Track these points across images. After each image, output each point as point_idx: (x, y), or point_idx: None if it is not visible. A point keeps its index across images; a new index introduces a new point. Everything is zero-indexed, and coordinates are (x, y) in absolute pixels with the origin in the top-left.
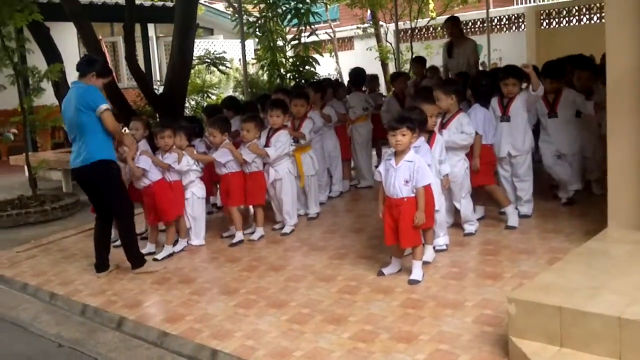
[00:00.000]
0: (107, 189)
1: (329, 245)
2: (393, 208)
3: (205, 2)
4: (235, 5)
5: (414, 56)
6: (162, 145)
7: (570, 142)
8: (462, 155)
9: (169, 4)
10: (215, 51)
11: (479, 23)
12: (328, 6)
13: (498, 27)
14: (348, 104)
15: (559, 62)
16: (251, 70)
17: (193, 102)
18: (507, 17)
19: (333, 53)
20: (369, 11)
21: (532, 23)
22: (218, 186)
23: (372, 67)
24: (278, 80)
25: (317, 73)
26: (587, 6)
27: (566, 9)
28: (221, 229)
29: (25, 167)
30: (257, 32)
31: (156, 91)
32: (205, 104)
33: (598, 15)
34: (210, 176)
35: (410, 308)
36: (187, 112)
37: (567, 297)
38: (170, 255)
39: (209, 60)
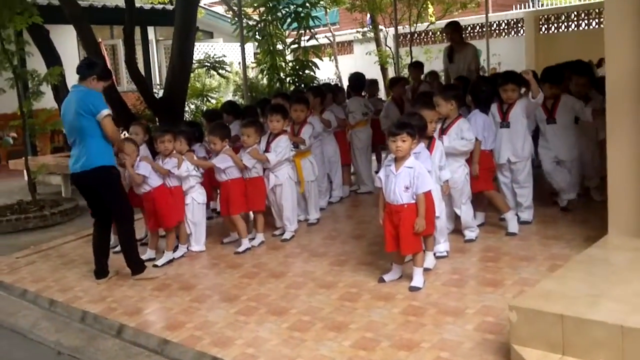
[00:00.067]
0: (107, 195)
1: (329, 252)
2: (393, 214)
3: (205, 5)
4: (235, 8)
5: (404, 63)
6: (162, 149)
7: (569, 148)
8: (462, 161)
9: (169, 7)
10: (215, 55)
11: (478, 28)
12: (328, 10)
13: (497, 31)
14: (347, 108)
15: (558, 67)
16: (251, 74)
17: (193, 106)
18: (506, 22)
19: (333, 57)
20: (368, 15)
21: (531, 28)
22: (218, 191)
23: (372, 71)
24: (278, 84)
25: (316, 77)
26: (585, 11)
27: (565, 14)
28: (221, 235)
29: (25, 171)
30: (257, 36)
31: (156, 95)
32: (205, 107)
33: (597, 20)
34: (210, 181)
35: (411, 315)
36: (186, 116)
37: (568, 304)
38: (171, 261)
39: (208, 64)
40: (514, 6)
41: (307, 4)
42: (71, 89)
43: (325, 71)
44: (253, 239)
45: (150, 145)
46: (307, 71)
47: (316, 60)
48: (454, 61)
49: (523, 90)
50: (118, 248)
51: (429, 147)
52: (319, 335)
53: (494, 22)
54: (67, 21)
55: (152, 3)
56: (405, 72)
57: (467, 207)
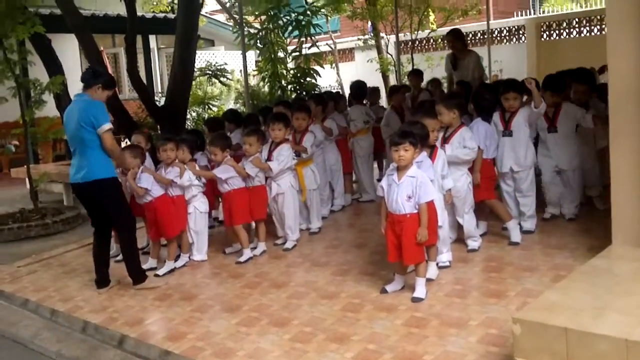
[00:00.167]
0: (108, 206)
1: (331, 261)
2: (395, 224)
3: (206, 13)
4: (237, 17)
5: (405, 70)
6: (164, 158)
7: (570, 157)
8: (464, 169)
9: (171, 15)
10: (216, 62)
11: (479, 35)
12: (329, 18)
13: (499, 38)
14: (349, 117)
15: (559, 75)
16: (252, 81)
17: (194, 114)
18: (507, 28)
19: (334, 64)
20: (369, 23)
21: (533, 35)
22: (220, 200)
23: (373, 78)
24: (279, 92)
25: (318, 85)
26: (587, 18)
27: (566, 20)
28: (223, 244)
29: (27, 179)
30: (258, 44)
31: (158, 103)
32: (207, 115)
33: (598, 27)
34: (213, 190)
35: (414, 327)
36: (188, 123)
37: (572, 317)
38: (172, 270)
39: (210, 72)
40: (515, 13)
41: (308, 12)
42: (74, 98)
43: (326, 78)
44: (255, 248)
45: (152, 154)
46: (308, 79)
47: (317, 67)
48: (457, 69)
49: (525, 98)
50: (119, 257)
51: (431, 155)
52: (321, 347)
53: (495, 29)
54: (69, 30)
55: (153, 12)
56: (406, 80)
57: (470, 216)
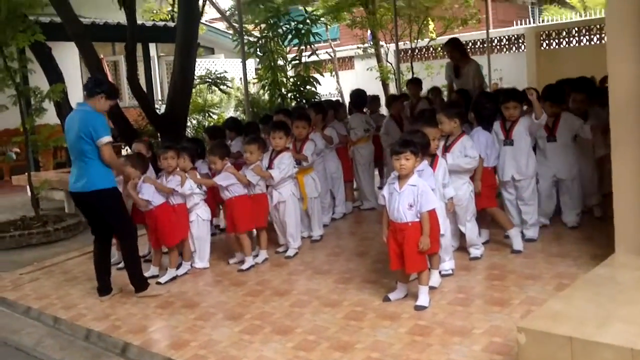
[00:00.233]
0: (108, 215)
1: (333, 269)
2: (397, 233)
3: (206, 21)
4: (236, 25)
5: (405, 79)
6: (165, 166)
7: (569, 166)
8: (466, 178)
9: (171, 24)
10: (216, 70)
11: (479, 43)
12: (328, 26)
13: (498, 47)
14: (349, 125)
15: (558, 85)
16: (252, 89)
17: (194, 122)
18: (507, 37)
19: (334, 72)
20: (369, 31)
21: (532, 43)
22: (221, 207)
23: (373, 87)
24: (279, 100)
25: (317, 93)
26: (586, 27)
27: (566, 30)
28: (225, 251)
29: (28, 187)
30: (258, 52)
31: (158, 111)
32: (207, 123)
33: (598, 36)
34: (214, 197)
35: (418, 335)
36: (188, 131)
37: (577, 326)
38: (174, 278)
39: (210, 80)
40: (514, 22)
41: (308, 21)
42: (76, 106)
43: (326, 86)
44: (256, 255)
45: (153, 162)
46: (308, 87)
47: (317, 75)
48: (459, 77)
49: (525, 107)
50: (121, 265)
51: (432, 164)
52: (325, 355)
53: (495, 37)
54: (69, 38)
55: (153, 20)
56: (406, 88)
57: (472, 224)
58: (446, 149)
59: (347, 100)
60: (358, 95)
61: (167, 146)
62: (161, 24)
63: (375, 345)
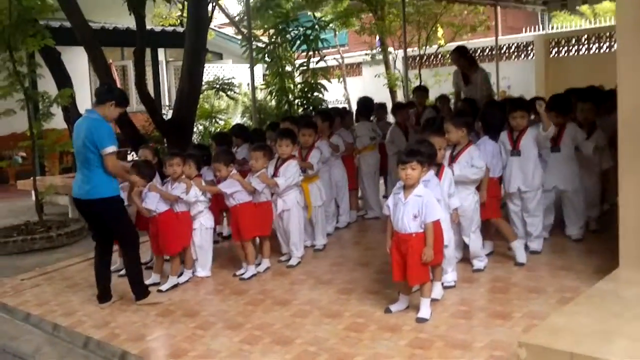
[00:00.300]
0: (111, 223)
1: (335, 279)
2: (401, 243)
3: (215, 26)
4: (245, 31)
5: (413, 86)
6: (170, 172)
7: (571, 178)
8: (472, 188)
9: (180, 29)
10: (224, 76)
11: (487, 51)
12: (337, 32)
13: (507, 54)
14: (355, 133)
15: (564, 95)
16: (260, 95)
17: (201, 127)
18: (516, 44)
19: (341, 79)
20: (377, 38)
21: (541, 51)
22: (224, 215)
23: (380, 93)
24: (286, 106)
25: (325, 99)
26: (596, 35)
27: (575, 37)
28: (227, 259)
29: (33, 191)
30: (266, 58)
31: (165, 116)
32: (214, 129)
33: (607, 44)
34: (217, 204)
35: (418, 348)
36: (195, 137)
37: (578, 341)
38: (175, 286)
39: (217, 87)
40: (523, 29)
41: (317, 27)
42: (84, 113)
43: (333, 93)
44: (259, 264)
45: (159, 168)
46: (315, 93)
47: (325, 82)
48: (468, 84)
49: (532, 116)
50: (123, 272)
51: (438, 173)
52: None
53: (504, 45)
54: (78, 43)
55: (162, 25)
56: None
57: (477, 235)
58: (453, 159)
59: (354, 106)
60: (365, 103)
61: (173, 153)
62: (170, 29)
63: (375, 358)
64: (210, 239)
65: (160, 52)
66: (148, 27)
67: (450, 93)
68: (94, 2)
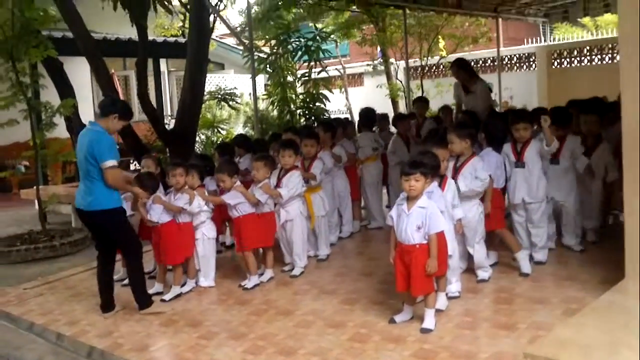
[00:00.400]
0: (114, 235)
1: (339, 289)
2: (405, 254)
3: (216, 37)
4: (246, 41)
5: (415, 96)
6: (173, 183)
7: (568, 190)
8: (476, 199)
9: (181, 39)
10: (226, 86)
11: (489, 62)
12: (338, 43)
13: (509, 65)
14: (357, 143)
15: (565, 109)
16: (261, 105)
17: (203, 137)
18: (517, 56)
19: (343, 89)
20: (379, 48)
21: (543, 62)
22: (227, 224)
23: (382, 104)
24: (288, 117)
25: (327, 110)
26: (598, 46)
27: (577, 49)
28: (230, 269)
29: (36, 200)
30: (268, 68)
31: (167, 126)
32: (216, 138)
33: (610, 55)
34: (220, 214)
35: (423, 359)
36: (197, 147)
37: (584, 354)
38: (178, 295)
39: (219, 96)
40: (525, 40)
41: (318, 38)
42: (88, 125)
43: (335, 103)
44: (262, 274)
45: (161, 178)
46: (317, 103)
47: (326, 92)
48: (468, 95)
49: (535, 127)
50: (126, 281)
51: (441, 184)
52: None
53: (506, 56)
54: (80, 53)
55: (164, 35)
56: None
57: (481, 246)
58: (456, 170)
59: (356, 117)
60: (367, 114)
61: (175, 163)
62: (172, 39)
63: None
64: (213, 249)
65: (163, 63)
66: (150, 37)
67: (452, 104)
68: (96, 13)
